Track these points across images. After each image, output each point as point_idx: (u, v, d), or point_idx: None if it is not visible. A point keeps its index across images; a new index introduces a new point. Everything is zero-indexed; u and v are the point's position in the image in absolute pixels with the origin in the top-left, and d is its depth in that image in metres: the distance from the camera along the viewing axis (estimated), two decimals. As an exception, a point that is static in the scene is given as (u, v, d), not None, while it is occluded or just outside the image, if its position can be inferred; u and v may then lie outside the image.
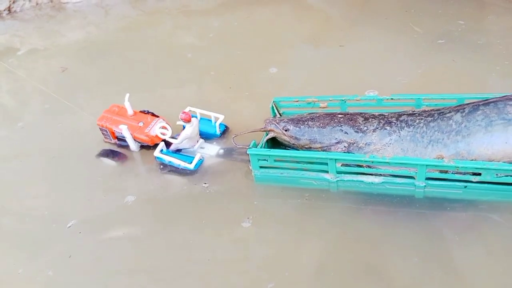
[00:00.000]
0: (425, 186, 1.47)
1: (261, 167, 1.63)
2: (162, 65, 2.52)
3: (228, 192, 1.61)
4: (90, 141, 1.94)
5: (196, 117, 1.85)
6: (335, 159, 1.50)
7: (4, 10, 3.53)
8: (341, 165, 1.52)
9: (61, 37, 3.12)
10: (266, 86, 2.16)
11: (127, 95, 1.81)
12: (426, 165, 1.41)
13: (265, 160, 1.60)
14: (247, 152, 1.59)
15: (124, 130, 1.76)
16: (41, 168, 1.86)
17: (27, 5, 3.57)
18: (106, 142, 1.92)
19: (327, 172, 1.55)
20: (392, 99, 1.70)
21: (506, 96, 1.43)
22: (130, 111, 1.84)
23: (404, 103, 1.70)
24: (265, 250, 1.39)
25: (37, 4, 3.59)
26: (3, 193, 1.77)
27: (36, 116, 2.21)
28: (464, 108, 1.47)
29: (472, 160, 1.40)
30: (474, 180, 1.41)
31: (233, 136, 1.69)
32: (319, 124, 1.63)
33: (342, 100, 1.75)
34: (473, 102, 1.49)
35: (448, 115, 1.49)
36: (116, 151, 1.87)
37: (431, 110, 1.57)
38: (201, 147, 1.82)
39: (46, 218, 1.61)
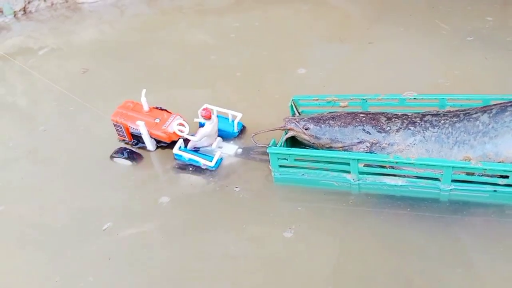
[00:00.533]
0: (450, 189, 1.42)
1: (280, 166, 1.59)
2: (180, 66, 2.49)
3: (260, 196, 1.58)
4: (112, 143, 1.89)
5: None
6: (358, 159, 1.46)
7: (20, 11, 3.51)
8: (363, 166, 1.48)
9: (77, 38, 3.09)
10: (295, 87, 2.09)
11: (144, 90, 1.79)
12: (453, 167, 1.37)
13: (285, 159, 1.57)
14: (267, 151, 1.56)
15: (141, 126, 1.73)
16: (67, 171, 1.83)
17: (42, 5, 3.54)
18: (120, 140, 1.88)
19: (348, 172, 1.51)
20: (415, 99, 1.66)
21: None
22: (146, 107, 1.81)
23: (428, 104, 1.65)
24: (312, 261, 1.34)
25: (52, 4, 3.57)
26: (31, 199, 1.72)
27: (57, 118, 2.18)
28: (492, 109, 1.43)
29: (499, 162, 1.35)
30: (501, 183, 1.36)
31: (253, 134, 1.66)
32: (341, 123, 1.59)
33: (363, 99, 1.71)
34: (500, 103, 1.45)
35: (474, 116, 1.45)
36: (133, 150, 1.83)
37: (456, 111, 1.53)
38: (219, 147, 1.78)
39: (80, 222, 1.58)
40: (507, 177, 1.34)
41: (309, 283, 1.27)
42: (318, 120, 1.63)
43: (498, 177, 1.36)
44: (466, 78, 2.00)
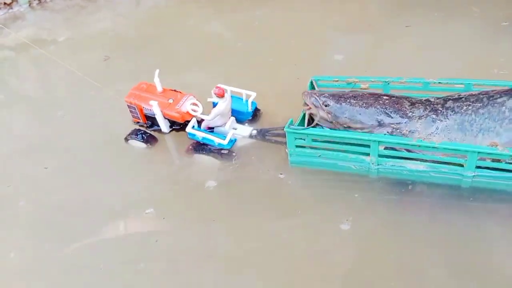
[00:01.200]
0: (473, 176, 1.37)
1: (297, 146, 1.55)
2: (200, 55, 2.42)
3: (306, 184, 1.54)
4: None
5: None
6: (379, 141, 1.41)
7: (34, 0, 3.49)
8: (383, 149, 1.43)
9: (92, 28, 3.05)
10: (335, 74, 1.92)
11: (157, 71, 1.74)
12: (478, 152, 1.31)
13: (302, 139, 1.52)
14: (284, 129, 1.52)
15: (154, 106, 1.69)
16: (93, 158, 1.78)
17: None
18: (135, 122, 1.84)
19: (368, 155, 1.46)
20: (440, 83, 1.60)
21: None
22: (159, 88, 1.77)
23: (452, 89, 1.59)
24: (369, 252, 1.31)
25: None
26: (64, 187, 1.67)
27: (76, 105, 2.14)
28: (497, 92, 1.37)
29: (525, 150, 1.29)
30: (529, 171, 1.31)
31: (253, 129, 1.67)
32: (362, 104, 1.54)
33: (385, 81, 1.65)
34: None
35: (499, 100, 1.39)
36: (147, 132, 1.80)
37: (479, 94, 1.46)
38: (234, 128, 1.74)
39: (123, 207, 1.55)
40: (534, 165, 1.28)
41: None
42: (339, 97, 1.57)
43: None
44: (505, 64, 1.90)
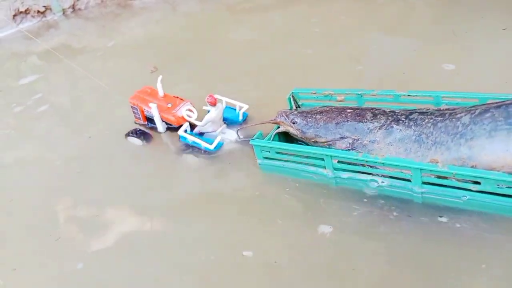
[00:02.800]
0: (422, 192, 1.38)
1: (265, 157, 1.65)
2: (237, 63, 2.46)
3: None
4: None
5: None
6: (331, 156, 1.47)
7: (68, 8, 3.46)
8: (337, 162, 1.49)
9: (125, 36, 3.07)
10: (445, 85, 1.85)
11: (160, 77, 1.95)
12: (421, 169, 1.32)
13: (268, 151, 1.62)
14: (250, 143, 1.63)
15: (153, 108, 1.90)
16: (129, 167, 1.88)
17: (92, 2, 3.50)
18: (136, 121, 2.06)
19: (324, 167, 1.53)
20: (409, 95, 1.60)
21: (519, 99, 1.28)
22: (161, 93, 1.97)
23: (421, 101, 1.59)
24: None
25: (102, 1, 3.51)
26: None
27: (102, 117, 2.25)
28: (476, 109, 1.35)
29: (472, 166, 1.28)
30: (473, 189, 1.29)
31: (238, 129, 1.74)
32: (326, 119, 1.60)
33: (359, 94, 1.69)
34: (490, 103, 1.36)
35: (458, 115, 1.38)
36: (144, 131, 2.01)
37: (446, 109, 1.46)
38: (223, 132, 1.88)
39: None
40: (479, 183, 1.27)
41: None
42: (306, 114, 1.65)
43: (472, 183, 1.29)
44: None
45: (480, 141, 1.27)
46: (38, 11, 3.41)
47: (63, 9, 3.47)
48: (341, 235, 1.37)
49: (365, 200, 1.45)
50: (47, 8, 3.44)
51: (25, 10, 3.35)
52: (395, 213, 1.38)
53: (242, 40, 2.74)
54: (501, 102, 1.31)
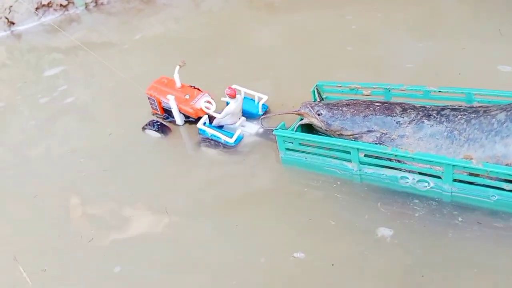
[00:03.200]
0: (452, 190, 1.33)
1: (287, 149, 1.61)
2: (255, 61, 2.40)
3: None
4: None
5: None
6: (358, 149, 1.43)
7: (91, 2, 3.44)
8: (364, 156, 1.44)
9: (146, 32, 3.01)
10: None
11: (177, 67, 1.89)
12: (453, 165, 1.27)
13: (291, 142, 1.58)
14: (273, 133, 1.59)
15: (171, 100, 1.85)
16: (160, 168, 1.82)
17: None
18: (153, 113, 2.02)
19: (350, 161, 1.48)
20: (440, 91, 1.55)
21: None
22: (178, 84, 1.92)
23: (453, 98, 1.54)
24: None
25: None
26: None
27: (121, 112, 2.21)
28: (498, 106, 1.31)
29: (507, 165, 1.23)
30: (506, 188, 1.24)
31: (262, 116, 1.69)
32: (353, 111, 1.56)
33: (386, 88, 1.64)
34: None
35: (493, 113, 1.33)
36: (162, 123, 1.95)
37: (479, 107, 1.41)
38: (242, 125, 1.84)
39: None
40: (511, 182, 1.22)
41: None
42: (332, 106, 1.61)
43: (504, 181, 1.24)
44: None
45: (515, 139, 1.22)
46: (61, 5, 3.41)
47: (85, 3, 3.45)
48: (404, 239, 1.26)
49: (416, 201, 1.38)
50: (69, 1, 3.42)
51: (48, 3, 3.35)
52: (460, 218, 1.30)
53: (266, 37, 2.67)
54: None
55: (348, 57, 2.27)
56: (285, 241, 1.34)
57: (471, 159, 1.27)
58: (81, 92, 2.48)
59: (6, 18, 3.26)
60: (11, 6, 3.23)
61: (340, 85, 1.73)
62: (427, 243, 1.25)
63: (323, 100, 1.79)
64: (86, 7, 3.45)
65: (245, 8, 3.19)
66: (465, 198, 1.33)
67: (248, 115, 1.88)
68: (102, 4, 3.48)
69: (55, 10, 3.36)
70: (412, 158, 1.33)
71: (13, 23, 3.29)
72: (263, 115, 1.83)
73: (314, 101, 1.71)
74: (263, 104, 1.87)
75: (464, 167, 1.26)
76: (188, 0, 3.46)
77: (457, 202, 1.34)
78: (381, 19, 2.59)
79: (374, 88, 1.67)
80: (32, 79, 2.75)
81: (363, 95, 1.71)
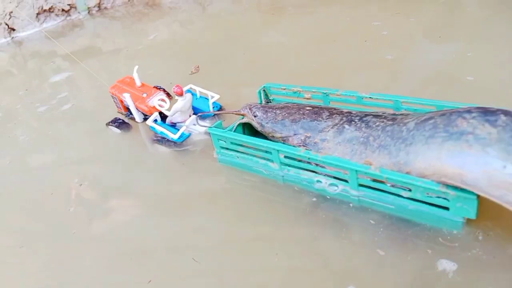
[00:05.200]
0: (359, 195, 1.35)
1: (221, 147, 1.66)
2: (264, 63, 2.38)
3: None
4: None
5: (195, 94, 1.96)
6: (277, 150, 1.46)
7: (94, 7, 3.32)
8: (284, 157, 1.48)
9: (151, 36, 2.93)
10: None
11: (136, 67, 1.99)
12: (356, 170, 1.29)
13: (224, 141, 1.63)
14: (207, 131, 1.64)
15: (127, 98, 1.94)
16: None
17: (119, 1, 3.36)
18: (118, 111, 2.12)
19: (273, 162, 1.52)
20: (371, 97, 1.56)
21: (469, 107, 1.22)
22: (138, 83, 2.01)
23: (381, 104, 1.55)
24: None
25: (129, 0, 3.36)
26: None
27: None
28: (423, 116, 1.31)
29: (407, 172, 1.24)
30: (404, 195, 1.25)
31: (198, 114, 1.75)
32: (284, 114, 1.60)
33: (324, 93, 1.67)
34: (442, 111, 1.31)
35: (406, 121, 1.34)
36: (123, 121, 2.06)
37: (401, 114, 1.42)
38: (194, 124, 1.90)
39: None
40: (410, 190, 1.22)
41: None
42: (268, 108, 1.65)
43: (404, 189, 1.25)
44: None
45: (417, 147, 1.23)
46: (63, 10, 3.31)
47: (88, 8, 3.35)
48: (471, 277, 1.09)
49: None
50: (72, 6, 3.32)
51: (49, 9, 3.26)
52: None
53: (274, 41, 2.60)
54: (449, 110, 1.26)
55: (361, 61, 2.24)
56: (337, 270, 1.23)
57: (370, 164, 1.28)
58: (78, 99, 2.50)
59: (7, 24, 3.19)
60: (11, 12, 3.16)
61: (284, 87, 1.76)
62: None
63: (270, 101, 1.82)
64: (89, 12, 3.37)
65: (253, 11, 3.15)
66: (371, 203, 1.33)
67: (204, 114, 1.94)
68: (105, 8, 3.42)
69: (56, 15, 3.31)
70: (321, 161, 1.36)
71: (13, 30, 3.24)
72: (201, 112, 1.89)
73: (260, 103, 1.75)
74: (215, 103, 1.93)
75: (364, 172, 1.27)
76: (194, 4, 3.44)
77: (364, 205, 1.34)
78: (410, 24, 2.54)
79: (313, 92, 1.70)
80: (34, 86, 2.75)
81: (304, 98, 1.73)
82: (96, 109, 2.32)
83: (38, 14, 3.20)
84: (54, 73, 2.83)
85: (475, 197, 1.09)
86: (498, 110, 1.15)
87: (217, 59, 2.52)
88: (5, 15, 3.14)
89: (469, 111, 1.18)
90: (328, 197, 1.41)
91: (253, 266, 1.26)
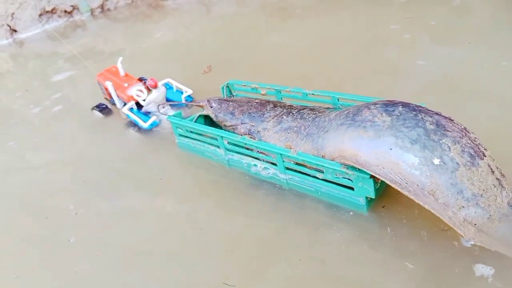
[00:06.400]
0: (287, 178, 1.49)
1: (180, 135, 1.84)
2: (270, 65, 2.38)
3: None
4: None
5: (171, 87, 2.16)
6: (222, 136, 1.63)
7: (97, 8, 3.31)
8: (228, 143, 1.63)
9: (153, 38, 2.91)
10: None
11: (120, 58, 2.20)
12: (280, 154, 1.44)
13: (180, 129, 1.81)
14: (167, 119, 1.83)
15: (108, 86, 2.16)
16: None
17: (122, 2, 3.36)
18: (104, 98, 2.34)
19: (219, 147, 1.68)
20: (313, 94, 1.71)
21: (383, 100, 1.36)
22: (121, 73, 2.23)
23: (322, 100, 1.69)
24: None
25: (132, 1, 3.34)
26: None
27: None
28: (346, 108, 1.45)
29: (322, 156, 1.38)
30: (319, 177, 1.39)
31: (160, 104, 1.94)
32: (235, 105, 1.76)
33: (277, 89, 1.83)
34: (362, 104, 1.44)
35: (331, 113, 1.48)
36: (106, 106, 2.29)
37: (334, 108, 1.56)
38: (164, 114, 2.09)
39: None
40: (322, 171, 1.36)
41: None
42: (223, 101, 1.82)
43: (319, 171, 1.39)
44: None
45: (330, 134, 1.37)
46: (65, 11, 3.31)
47: (91, 9, 3.34)
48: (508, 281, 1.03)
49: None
50: (74, 7, 3.32)
51: (52, 10, 3.26)
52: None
53: (279, 43, 2.56)
54: (366, 103, 1.39)
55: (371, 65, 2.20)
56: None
57: (290, 148, 1.43)
58: (79, 99, 2.56)
59: (9, 25, 3.20)
60: (13, 13, 3.18)
61: (244, 84, 1.93)
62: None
63: (233, 96, 1.99)
64: (91, 14, 3.39)
65: (258, 13, 3.09)
66: (297, 185, 1.47)
67: (175, 105, 2.14)
68: (108, 10, 3.45)
69: (59, 16, 3.31)
70: (255, 146, 1.51)
71: (15, 31, 3.24)
72: (164, 102, 2.08)
73: (223, 97, 1.92)
74: (187, 96, 2.12)
75: (286, 155, 1.42)
76: (199, 5, 3.41)
77: (293, 189, 1.49)
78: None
79: (268, 88, 1.86)
80: (34, 87, 2.77)
81: (261, 94, 1.89)
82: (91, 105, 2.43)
83: (40, 15, 3.21)
84: (55, 73, 2.88)
85: (368, 176, 1.22)
86: (399, 102, 1.29)
87: (222, 60, 2.52)
88: (7, 16, 3.14)
89: (375, 103, 1.32)
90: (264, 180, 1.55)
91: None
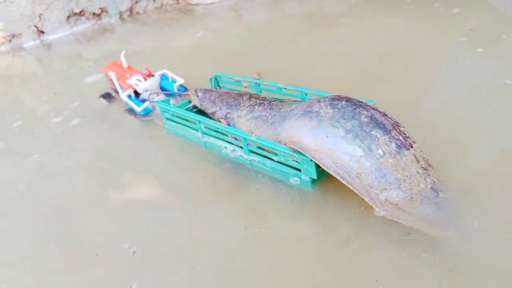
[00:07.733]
0: (250, 159, 1.69)
1: (167, 119, 2.06)
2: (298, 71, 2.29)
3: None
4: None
5: (167, 77, 2.37)
6: (199, 121, 1.84)
7: (126, 11, 3.20)
8: (204, 127, 1.84)
9: (183, 44, 2.81)
10: None
11: (123, 51, 2.44)
12: (244, 138, 1.65)
13: (167, 113, 2.03)
14: (156, 104, 2.05)
15: (112, 76, 2.40)
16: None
17: (151, 6, 3.23)
18: (110, 88, 2.59)
19: (197, 131, 1.90)
20: (285, 88, 1.91)
21: (332, 95, 1.54)
22: (124, 65, 2.46)
23: (293, 94, 1.88)
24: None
25: (161, 5, 3.22)
26: None
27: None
28: (309, 101, 1.64)
29: (279, 141, 1.57)
30: (275, 159, 1.58)
31: (150, 93, 2.17)
32: (217, 95, 1.97)
33: (256, 83, 2.03)
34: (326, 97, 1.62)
35: (291, 103, 1.68)
36: (111, 94, 2.55)
37: (301, 101, 1.75)
38: (145, 99, 2.31)
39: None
40: (277, 154, 1.56)
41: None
42: (208, 91, 2.03)
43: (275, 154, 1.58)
44: None
45: (286, 122, 1.56)
46: (94, 13, 3.24)
47: (120, 12, 3.25)
48: None
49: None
50: (103, 10, 3.24)
51: (80, 12, 3.17)
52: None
53: (306, 52, 2.46)
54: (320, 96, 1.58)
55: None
56: None
57: (252, 132, 1.63)
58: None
59: (36, 26, 3.11)
60: (41, 14, 3.10)
61: (229, 76, 2.13)
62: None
63: (220, 88, 2.20)
64: (120, 17, 3.29)
65: (287, 21, 2.95)
66: (258, 166, 1.67)
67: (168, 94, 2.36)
68: (137, 13, 3.31)
69: (87, 19, 3.23)
70: (225, 130, 1.72)
71: (43, 32, 3.17)
72: (154, 92, 2.29)
73: (209, 88, 2.14)
74: (180, 85, 2.34)
75: (249, 139, 1.62)
76: (228, 10, 3.24)
77: (255, 168, 1.69)
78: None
79: (249, 81, 2.06)
80: (62, 90, 2.74)
81: (243, 86, 2.10)
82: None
83: (68, 17, 3.14)
84: (82, 76, 2.85)
85: (309, 159, 1.41)
86: (344, 97, 1.47)
87: (244, 66, 2.48)
88: (34, 17, 3.07)
89: (326, 97, 1.51)
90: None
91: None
